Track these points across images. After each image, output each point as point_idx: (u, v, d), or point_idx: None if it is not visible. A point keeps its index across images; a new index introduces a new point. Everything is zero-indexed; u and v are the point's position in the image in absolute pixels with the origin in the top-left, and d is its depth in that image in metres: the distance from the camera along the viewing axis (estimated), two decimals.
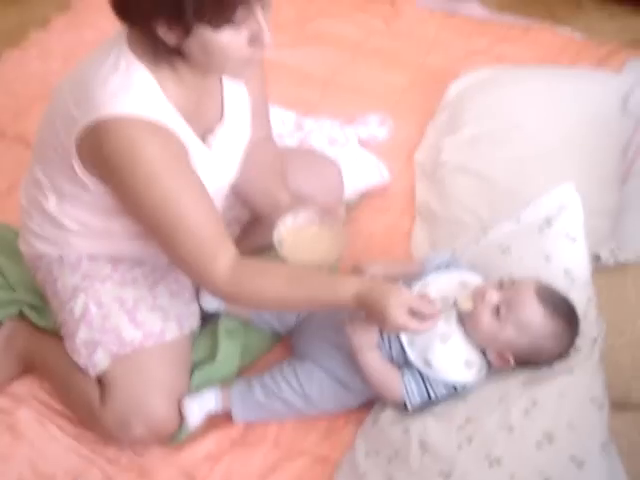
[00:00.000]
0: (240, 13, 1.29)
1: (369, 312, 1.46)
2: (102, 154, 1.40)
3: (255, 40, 1.36)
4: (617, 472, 1.47)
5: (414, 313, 1.44)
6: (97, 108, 1.37)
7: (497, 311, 1.54)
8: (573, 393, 1.49)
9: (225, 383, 1.71)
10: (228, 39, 1.33)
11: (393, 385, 1.58)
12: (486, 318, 1.54)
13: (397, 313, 1.41)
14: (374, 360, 1.58)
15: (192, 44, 1.34)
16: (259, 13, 1.33)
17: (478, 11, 3.02)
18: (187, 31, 1.31)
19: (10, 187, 2.28)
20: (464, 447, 1.47)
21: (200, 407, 1.64)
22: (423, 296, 1.50)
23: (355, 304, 1.46)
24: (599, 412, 1.46)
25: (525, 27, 2.86)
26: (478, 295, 1.55)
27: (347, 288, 1.46)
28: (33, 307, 1.90)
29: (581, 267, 1.67)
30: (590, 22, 3.06)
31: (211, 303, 1.79)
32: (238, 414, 1.67)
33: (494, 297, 1.54)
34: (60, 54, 2.83)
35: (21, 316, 1.90)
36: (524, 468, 1.41)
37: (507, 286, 1.57)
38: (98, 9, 2.84)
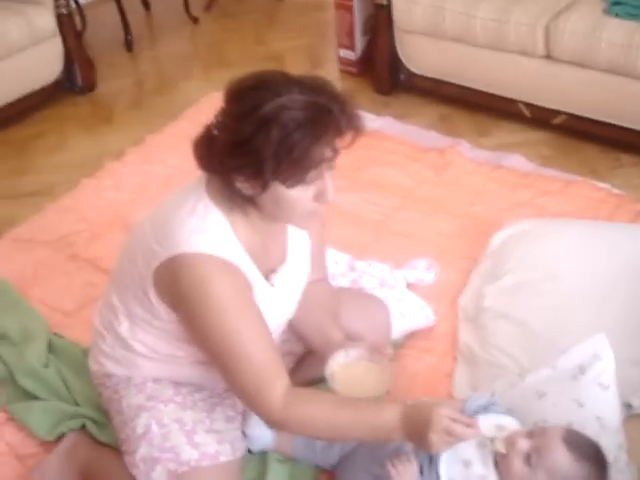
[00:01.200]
0: (311, 175, 1.44)
1: (414, 427, 1.50)
2: (176, 285, 1.51)
3: (320, 196, 1.50)
4: None
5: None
6: (175, 246, 1.50)
7: (528, 458, 1.55)
8: None
9: None
10: (297, 195, 1.47)
11: None
12: (518, 465, 1.55)
13: (442, 420, 1.46)
14: None
15: (265, 196, 1.48)
16: (326, 174, 1.48)
17: (523, 164, 3.03)
18: (264, 187, 1.45)
19: (79, 306, 2.36)
20: None
21: None
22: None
23: (400, 424, 1.51)
24: None
25: (567, 181, 2.87)
26: (510, 443, 1.57)
27: (392, 409, 1.53)
28: (95, 422, 1.97)
29: (612, 414, 1.71)
30: (628, 178, 3.05)
31: (257, 444, 1.85)
32: None
33: (524, 445, 1.56)
34: (132, 185, 2.96)
35: (83, 429, 1.96)
36: None
37: (537, 433, 1.59)
38: (169, 146, 3.05)
